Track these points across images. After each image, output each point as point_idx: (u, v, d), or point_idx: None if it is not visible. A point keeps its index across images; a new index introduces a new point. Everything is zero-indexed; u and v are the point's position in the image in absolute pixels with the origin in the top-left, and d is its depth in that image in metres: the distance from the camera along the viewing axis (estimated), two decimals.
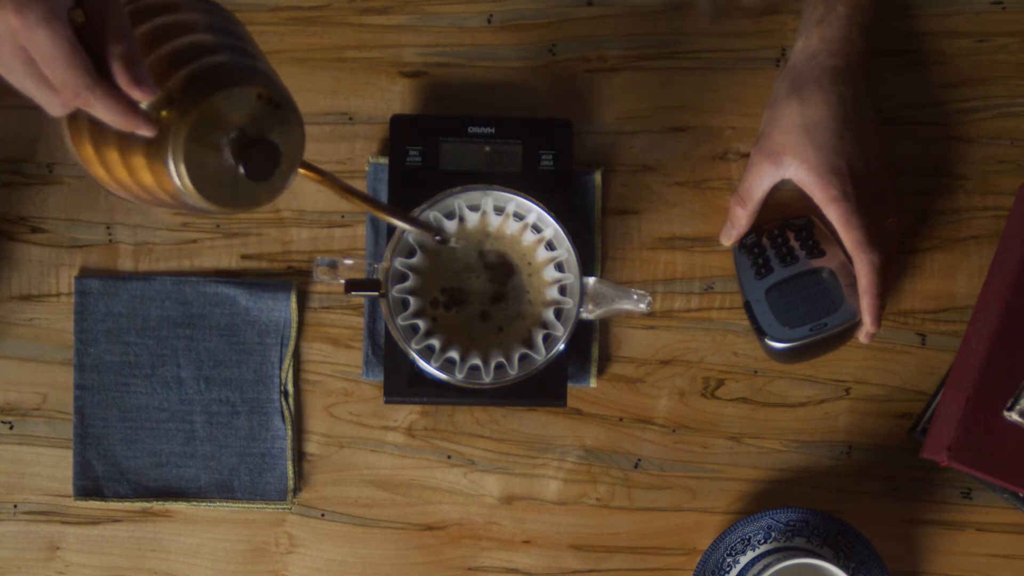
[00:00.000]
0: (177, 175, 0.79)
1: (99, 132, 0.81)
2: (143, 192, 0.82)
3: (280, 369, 1.13)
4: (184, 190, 0.79)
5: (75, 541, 1.13)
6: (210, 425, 1.13)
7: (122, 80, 0.76)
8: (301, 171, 0.85)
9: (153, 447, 1.13)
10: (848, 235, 1.06)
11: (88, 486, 1.13)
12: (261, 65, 0.82)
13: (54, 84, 0.75)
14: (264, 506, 1.13)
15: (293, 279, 1.14)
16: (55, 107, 0.77)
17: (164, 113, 0.78)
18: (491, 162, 1.12)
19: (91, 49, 0.75)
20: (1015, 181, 1.14)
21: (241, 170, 0.80)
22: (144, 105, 0.77)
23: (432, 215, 1.07)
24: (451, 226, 1.07)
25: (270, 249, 1.14)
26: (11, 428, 1.13)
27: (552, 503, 1.14)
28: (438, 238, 1.04)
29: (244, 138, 0.80)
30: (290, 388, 1.13)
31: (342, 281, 1.06)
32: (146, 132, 0.78)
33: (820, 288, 1.09)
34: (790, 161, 1.07)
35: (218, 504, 1.13)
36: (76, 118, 0.82)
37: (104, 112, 0.76)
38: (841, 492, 1.14)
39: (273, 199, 0.83)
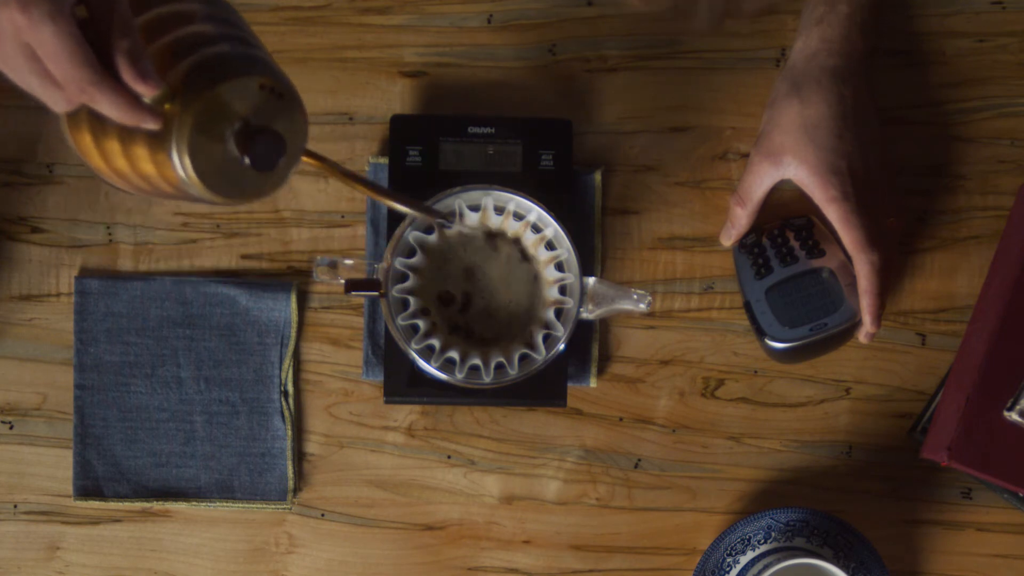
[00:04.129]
0: (182, 167, 0.78)
1: (98, 122, 0.80)
2: (143, 182, 0.82)
3: (280, 369, 1.13)
4: (189, 181, 0.79)
5: (75, 541, 1.13)
6: (210, 425, 1.13)
7: (127, 75, 0.76)
8: (305, 160, 0.85)
9: (153, 447, 1.13)
10: (848, 235, 1.06)
11: (88, 486, 1.13)
12: (262, 54, 0.82)
13: (58, 80, 0.75)
14: (264, 506, 1.13)
15: (293, 279, 1.14)
16: (59, 103, 0.77)
17: (167, 106, 0.78)
18: (491, 162, 1.12)
19: (94, 44, 0.75)
20: (1015, 181, 1.14)
21: (247, 161, 0.79)
22: (147, 98, 0.77)
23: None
24: (451, 227, 1.07)
25: (270, 249, 1.14)
26: (11, 428, 1.13)
27: (552, 503, 1.14)
28: (441, 221, 1.04)
29: (249, 129, 0.79)
30: (290, 388, 1.13)
31: (342, 281, 1.06)
32: (151, 126, 0.77)
33: (820, 288, 1.09)
34: (790, 161, 1.07)
35: (218, 504, 1.13)
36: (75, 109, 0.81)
37: (109, 107, 0.76)
38: (841, 492, 1.14)
39: (276, 189, 0.83)
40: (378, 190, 0.95)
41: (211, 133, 0.78)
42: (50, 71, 0.75)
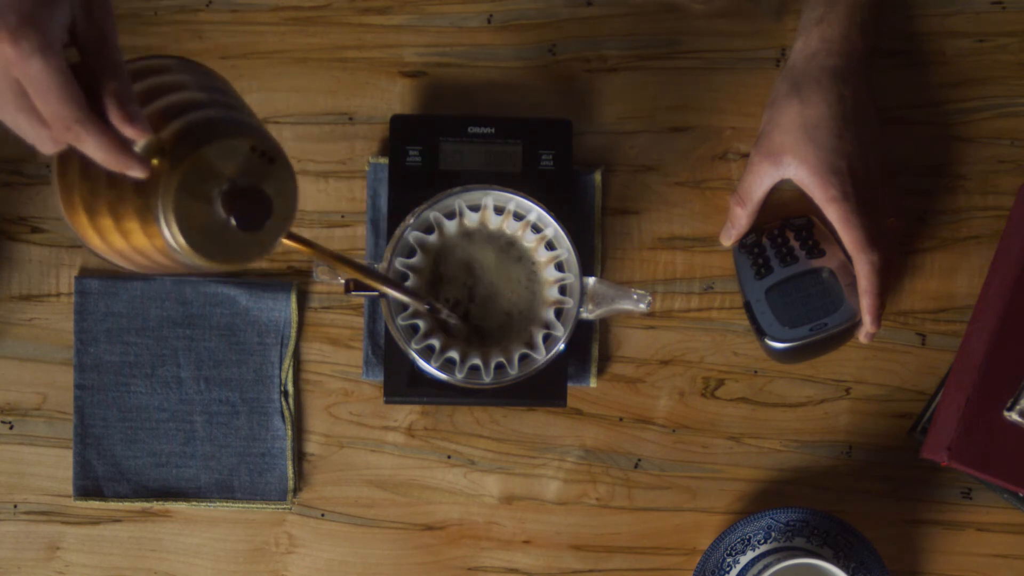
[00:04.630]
0: (167, 228, 0.77)
1: (91, 197, 0.79)
2: (139, 256, 0.81)
3: (280, 369, 1.13)
4: (175, 244, 0.78)
5: (75, 541, 1.13)
6: (210, 425, 1.13)
7: (115, 116, 0.75)
8: (286, 241, 0.83)
9: (153, 447, 1.13)
10: (848, 235, 1.06)
11: (88, 486, 1.13)
12: (253, 121, 0.81)
13: (46, 118, 0.74)
14: (264, 506, 1.13)
15: (293, 279, 1.14)
16: (46, 143, 0.76)
17: (155, 162, 0.76)
18: (491, 162, 1.12)
19: (85, 87, 0.74)
20: (1015, 181, 1.14)
21: (232, 221, 0.78)
22: (137, 147, 0.76)
23: (432, 216, 1.07)
24: (451, 226, 1.07)
25: None
26: (11, 428, 1.13)
27: (552, 503, 1.14)
28: (427, 307, 1.03)
29: (235, 189, 0.78)
30: (290, 388, 1.13)
31: (342, 281, 1.06)
32: (137, 173, 0.76)
33: (820, 288, 1.09)
34: (790, 161, 1.07)
35: (218, 504, 1.13)
36: (69, 188, 0.80)
37: (95, 148, 0.75)
38: (841, 492, 1.14)
39: (264, 255, 0.81)
40: (369, 273, 0.94)
41: (198, 193, 0.77)
42: (38, 108, 0.74)
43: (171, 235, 0.78)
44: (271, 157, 0.79)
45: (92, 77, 0.75)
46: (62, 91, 0.73)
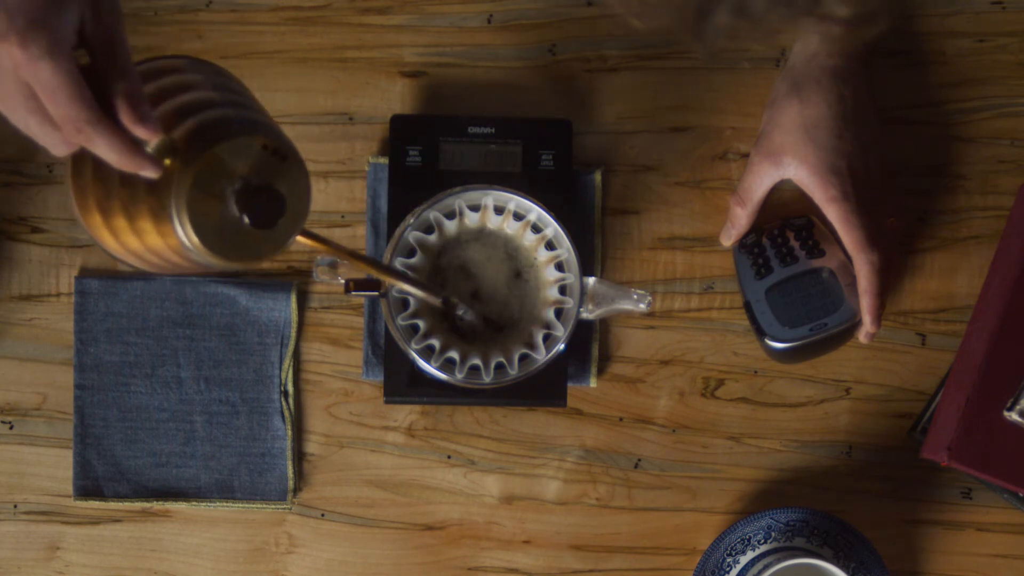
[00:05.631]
0: (180, 226, 0.77)
1: (105, 197, 0.79)
2: (152, 256, 0.81)
3: (280, 369, 1.13)
4: (188, 242, 0.78)
5: (75, 541, 1.13)
6: (210, 425, 1.13)
7: (125, 117, 0.75)
8: (301, 239, 0.83)
9: (153, 447, 1.13)
10: (848, 235, 1.06)
11: (88, 486, 1.13)
12: (265, 119, 0.82)
13: (56, 120, 0.74)
14: (264, 506, 1.13)
15: (293, 279, 1.14)
16: (57, 145, 0.76)
17: (168, 162, 0.77)
18: (491, 162, 1.12)
19: (96, 91, 0.75)
20: (1015, 181, 1.14)
21: (245, 219, 0.78)
22: (149, 147, 0.76)
23: (432, 216, 1.07)
24: (451, 226, 1.07)
25: None
26: (11, 428, 1.13)
27: (552, 503, 1.14)
28: (443, 301, 1.03)
29: (248, 187, 0.78)
30: (290, 388, 1.13)
31: (342, 281, 1.06)
32: (149, 173, 0.76)
33: (820, 288, 1.09)
34: (790, 161, 1.07)
35: (218, 504, 1.13)
36: (83, 189, 0.80)
37: (106, 149, 0.75)
38: (841, 492, 1.14)
39: (278, 252, 0.81)
40: (382, 268, 0.95)
41: (211, 191, 0.77)
42: (48, 110, 0.74)
43: (184, 234, 0.78)
44: (284, 155, 0.80)
45: (102, 79, 0.75)
46: (71, 93, 0.73)
